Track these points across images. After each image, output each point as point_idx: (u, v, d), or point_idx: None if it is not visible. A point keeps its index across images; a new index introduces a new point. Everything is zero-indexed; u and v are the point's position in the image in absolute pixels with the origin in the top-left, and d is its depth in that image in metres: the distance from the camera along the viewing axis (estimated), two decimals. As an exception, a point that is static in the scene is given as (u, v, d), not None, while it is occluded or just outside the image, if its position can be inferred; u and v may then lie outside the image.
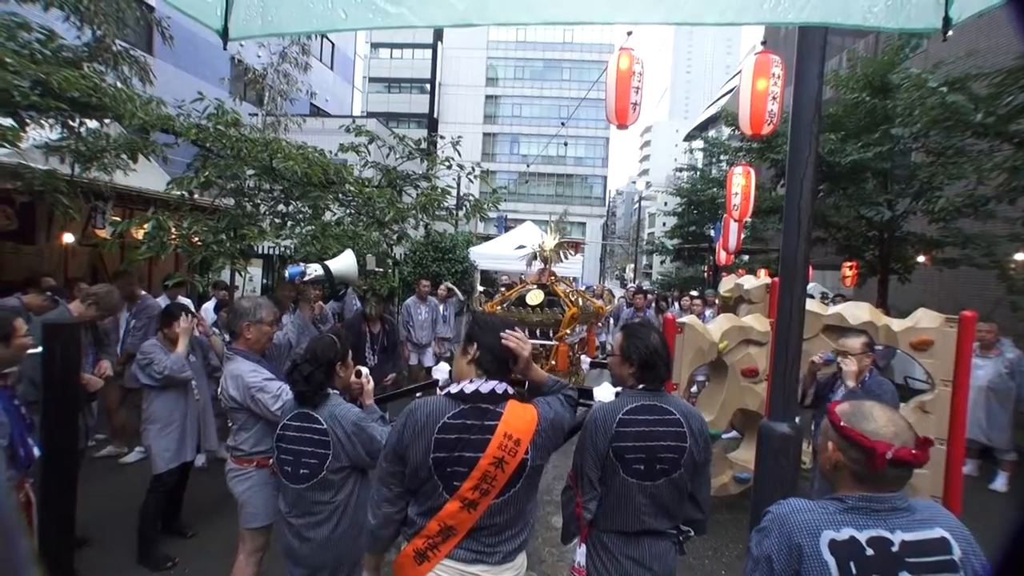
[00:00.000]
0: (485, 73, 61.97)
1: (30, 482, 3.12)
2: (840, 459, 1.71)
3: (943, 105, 8.53)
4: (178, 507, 4.94)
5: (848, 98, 11.58)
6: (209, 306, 7.47)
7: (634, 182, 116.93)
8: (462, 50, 58.79)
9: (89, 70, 6.50)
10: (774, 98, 5.75)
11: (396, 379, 7.00)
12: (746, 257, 20.43)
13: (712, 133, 32.32)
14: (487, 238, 20.87)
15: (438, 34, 49.40)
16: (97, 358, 5.03)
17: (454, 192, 10.34)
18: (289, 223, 7.37)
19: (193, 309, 6.65)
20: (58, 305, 4.80)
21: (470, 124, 57.38)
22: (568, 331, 6.36)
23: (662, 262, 39.90)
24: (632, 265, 58.11)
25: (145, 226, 5.78)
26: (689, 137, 45.85)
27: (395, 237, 8.63)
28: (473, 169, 9.39)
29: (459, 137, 9.46)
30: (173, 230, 5.81)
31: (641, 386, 2.65)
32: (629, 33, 5.92)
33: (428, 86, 52.53)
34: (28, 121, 5.60)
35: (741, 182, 9.73)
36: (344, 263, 4.83)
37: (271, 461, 3.14)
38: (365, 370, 3.25)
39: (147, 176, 8.38)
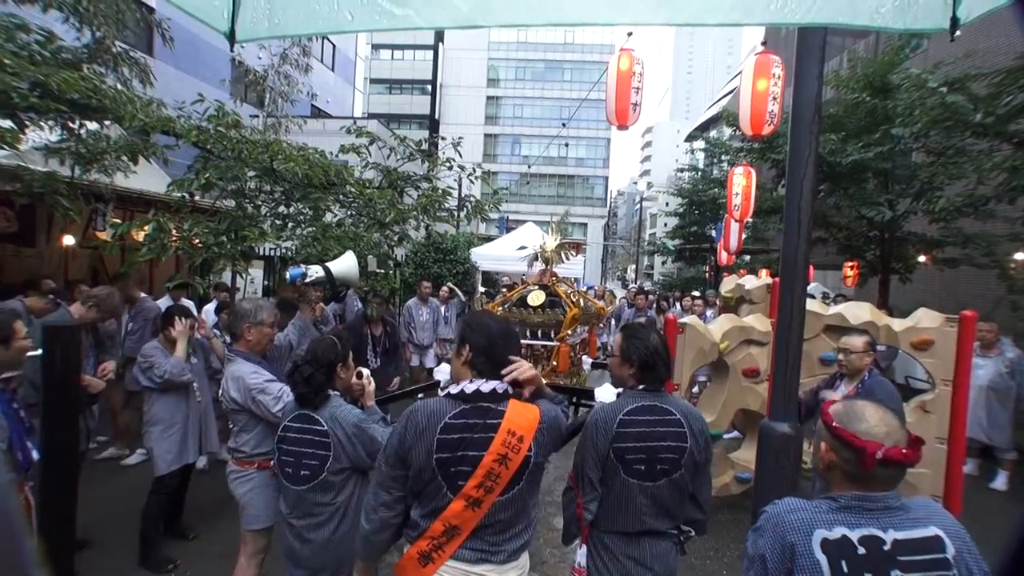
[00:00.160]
0: (486, 74, 61.95)
1: (29, 485, 3.11)
2: (833, 459, 1.72)
3: (943, 105, 8.53)
4: (180, 509, 4.94)
5: (848, 98, 11.59)
6: (210, 308, 7.46)
7: (635, 183, 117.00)
8: (463, 51, 58.81)
9: (89, 72, 6.50)
10: (774, 98, 5.75)
11: (391, 382, 7.00)
12: (747, 257, 20.42)
13: (713, 133, 32.36)
14: (488, 239, 20.88)
15: (439, 35, 49.44)
16: (99, 360, 5.03)
17: (455, 193, 10.34)
18: (290, 224, 7.37)
19: (195, 311, 6.68)
20: (59, 307, 4.80)
21: (471, 125, 57.36)
22: (569, 332, 6.35)
23: (663, 263, 39.86)
24: (634, 266, 58.13)
25: (146, 228, 5.79)
26: (690, 137, 45.88)
27: (396, 238, 8.64)
28: (474, 170, 9.41)
29: (460, 138, 9.48)
30: (174, 232, 5.82)
31: (641, 387, 2.65)
32: (629, 34, 5.92)
33: (429, 87, 52.57)
34: (27, 123, 5.60)
35: (742, 182, 9.72)
36: (345, 265, 4.84)
37: (272, 463, 3.14)
38: (366, 371, 3.24)
39: (148, 178, 8.39)
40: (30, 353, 3.17)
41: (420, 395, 5.25)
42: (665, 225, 39.05)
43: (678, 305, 12.45)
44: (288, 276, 4.53)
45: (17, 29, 5.77)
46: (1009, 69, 7.75)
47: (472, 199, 9.79)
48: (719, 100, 48.94)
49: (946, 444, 4.98)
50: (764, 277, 8.88)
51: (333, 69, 26.19)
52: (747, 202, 9.78)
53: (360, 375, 3.20)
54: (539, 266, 7.01)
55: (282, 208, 7.49)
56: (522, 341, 6.54)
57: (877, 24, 2.05)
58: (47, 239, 9.72)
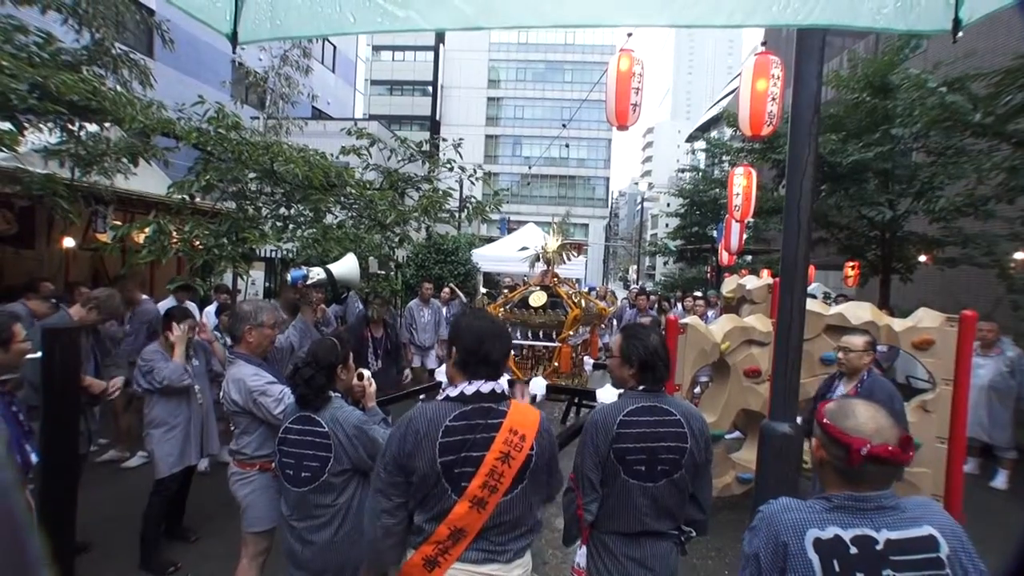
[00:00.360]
0: (487, 75, 62.01)
1: (29, 488, 3.11)
2: (824, 456, 1.74)
3: (943, 105, 8.55)
4: (181, 511, 4.94)
5: (849, 98, 11.61)
6: (211, 310, 7.45)
7: (637, 183, 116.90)
8: (464, 52, 58.85)
9: (88, 74, 6.49)
10: (773, 99, 5.76)
11: (401, 381, 7.00)
12: (749, 258, 20.44)
13: (714, 134, 32.37)
14: (490, 240, 20.91)
15: (440, 36, 49.50)
16: (98, 363, 5.02)
17: (456, 194, 10.35)
18: (290, 226, 7.37)
19: (197, 313, 6.67)
20: (59, 310, 4.80)
21: (472, 126, 57.36)
22: (571, 333, 6.36)
23: (665, 263, 39.89)
24: (635, 266, 58.08)
25: (146, 230, 5.78)
26: (691, 138, 45.91)
27: (397, 239, 8.63)
28: (475, 171, 9.41)
29: (461, 139, 9.48)
30: (174, 234, 5.82)
31: (641, 387, 2.66)
32: (629, 35, 5.92)
33: (430, 88, 52.65)
34: (26, 125, 5.59)
35: (742, 183, 9.74)
36: (346, 266, 4.83)
37: (273, 465, 3.14)
38: (367, 373, 3.24)
39: (148, 180, 8.39)
40: (30, 356, 3.17)
41: (422, 396, 5.25)
42: (667, 226, 39.00)
43: (679, 306, 12.44)
44: (289, 278, 4.53)
45: (16, 31, 5.75)
46: (1008, 69, 7.75)
47: (473, 200, 9.79)
48: (720, 100, 48.98)
49: (947, 443, 4.98)
50: (765, 277, 8.88)
51: (334, 70, 26.21)
52: (748, 202, 9.80)
53: (361, 376, 3.20)
54: (540, 267, 7.02)
55: (283, 210, 7.49)
56: (524, 342, 6.57)
57: (879, 25, 2.05)
58: (47, 241, 9.73)
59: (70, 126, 6.03)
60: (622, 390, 2.79)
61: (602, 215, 64.56)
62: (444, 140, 9.73)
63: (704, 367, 5.83)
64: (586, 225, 61.11)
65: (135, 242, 6.38)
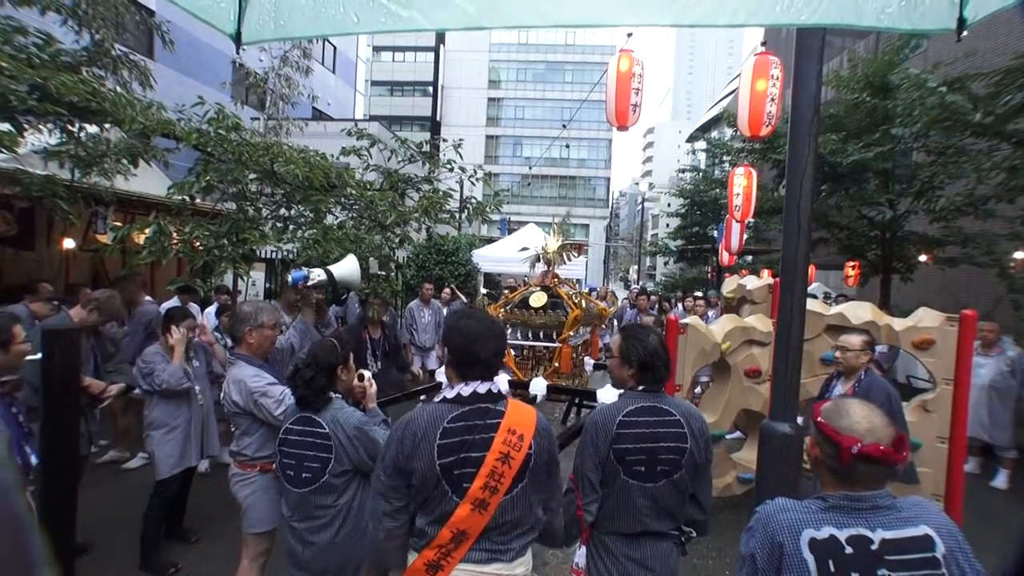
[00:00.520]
0: (487, 76, 62.02)
1: (29, 490, 3.11)
2: (818, 454, 1.75)
3: (942, 105, 8.54)
4: (181, 512, 4.94)
5: (849, 98, 11.60)
6: (211, 311, 7.44)
7: (637, 183, 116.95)
8: (464, 53, 58.87)
9: (88, 74, 6.48)
10: (772, 99, 5.76)
11: (402, 381, 6.99)
12: (749, 258, 20.43)
13: (715, 134, 32.33)
14: (490, 241, 20.92)
15: (440, 37, 49.55)
16: (97, 364, 5.02)
17: (456, 195, 10.35)
18: (291, 227, 7.36)
19: (199, 314, 6.66)
20: (60, 311, 4.80)
21: (472, 127, 57.39)
22: (571, 333, 6.37)
23: (666, 263, 39.87)
24: (636, 266, 58.11)
25: (146, 231, 5.78)
26: (692, 138, 45.86)
27: (398, 240, 8.62)
28: (475, 172, 9.40)
29: (461, 140, 9.48)
30: (175, 235, 5.81)
31: (641, 388, 2.65)
32: (629, 35, 5.92)
33: (430, 89, 52.66)
34: (26, 126, 5.58)
35: (743, 183, 9.73)
36: (347, 267, 4.83)
37: (274, 465, 3.14)
38: (367, 374, 3.24)
39: (148, 181, 8.38)
40: (30, 357, 3.17)
41: (423, 397, 5.25)
42: (667, 226, 38.98)
43: (680, 306, 12.44)
44: (290, 279, 4.53)
45: (15, 32, 5.73)
46: (1008, 69, 7.75)
47: (473, 201, 9.78)
48: (720, 101, 48.94)
49: (947, 443, 4.98)
50: (766, 277, 8.88)
51: (334, 71, 26.23)
52: (748, 202, 9.79)
53: (361, 377, 3.20)
54: (541, 267, 7.02)
55: (283, 211, 7.48)
56: (524, 342, 6.57)
57: (883, 25, 2.03)
58: (47, 242, 9.72)
59: (70, 127, 6.02)
60: (622, 390, 2.79)
61: (603, 215, 64.54)
62: (444, 141, 9.72)
63: (705, 367, 5.83)
64: (586, 225, 61.10)
65: (135, 243, 6.37)
